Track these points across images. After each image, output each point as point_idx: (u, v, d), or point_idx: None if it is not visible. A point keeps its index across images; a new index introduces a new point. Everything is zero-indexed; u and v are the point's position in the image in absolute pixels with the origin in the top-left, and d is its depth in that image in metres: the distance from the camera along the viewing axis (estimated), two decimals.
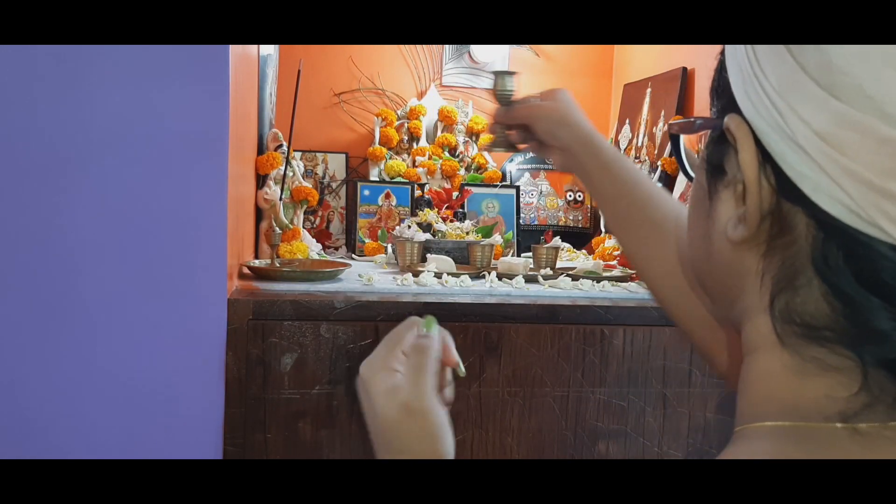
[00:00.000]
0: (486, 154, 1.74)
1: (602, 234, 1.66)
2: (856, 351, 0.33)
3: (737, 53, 0.37)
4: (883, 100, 0.30)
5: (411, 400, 0.53)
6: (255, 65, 1.22)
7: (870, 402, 0.33)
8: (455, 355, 0.58)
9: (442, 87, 1.81)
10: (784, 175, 0.34)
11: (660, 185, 0.70)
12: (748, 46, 0.36)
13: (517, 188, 1.63)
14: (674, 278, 0.62)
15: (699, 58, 1.47)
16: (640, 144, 1.61)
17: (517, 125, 0.79)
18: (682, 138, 0.46)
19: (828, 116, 0.31)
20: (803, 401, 0.35)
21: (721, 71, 0.39)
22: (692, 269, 0.44)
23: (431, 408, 0.53)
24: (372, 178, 1.65)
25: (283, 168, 1.24)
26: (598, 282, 1.13)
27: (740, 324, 0.39)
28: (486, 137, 0.86)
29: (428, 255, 1.22)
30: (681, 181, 1.43)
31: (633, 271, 1.25)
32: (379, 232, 1.46)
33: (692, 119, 0.41)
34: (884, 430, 0.32)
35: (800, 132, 0.32)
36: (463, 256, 1.26)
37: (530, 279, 1.14)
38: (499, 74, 0.82)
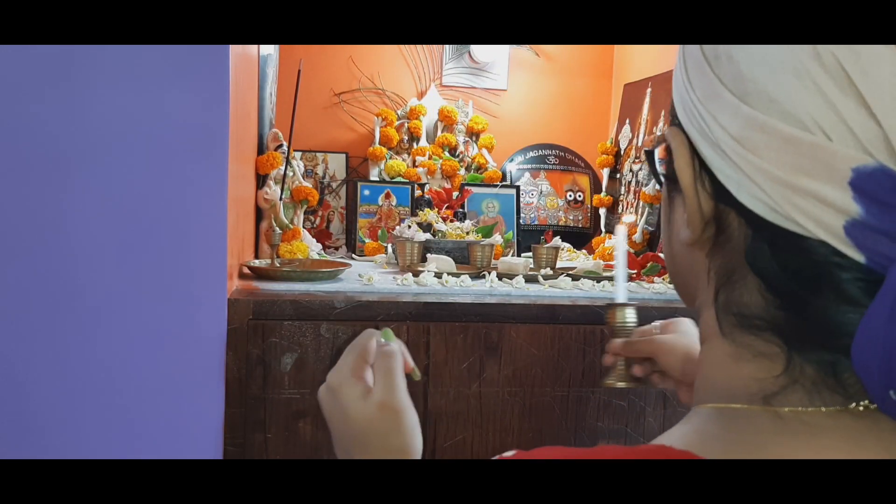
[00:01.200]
0: (485, 153, 1.74)
1: (602, 234, 1.66)
2: (782, 337, 0.36)
3: (677, 71, 0.40)
4: (784, 102, 0.33)
5: (387, 399, 0.56)
6: (255, 65, 1.22)
7: (787, 384, 0.35)
8: (411, 361, 0.62)
9: (442, 86, 1.81)
10: (716, 179, 0.37)
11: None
12: (681, 63, 0.39)
13: (517, 188, 1.63)
14: None
15: None
16: (640, 144, 1.61)
17: (640, 359, 0.74)
18: (657, 153, 0.49)
19: (740, 121, 0.34)
20: (735, 384, 0.38)
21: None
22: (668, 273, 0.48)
23: (407, 405, 0.57)
24: (372, 178, 1.65)
25: (283, 168, 1.24)
26: (599, 282, 1.13)
27: (699, 317, 0.43)
28: (610, 379, 0.75)
29: (428, 255, 1.22)
30: None
31: (633, 271, 1.25)
32: (379, 232, 1.46)
33: (657, 134, 0.44)
34: (802, 415, 0.35)
35: (721, 138, 0.35)
36: (463, 256, 1.26)
37: (530, 279, 1.14)
38: (618, 308, 0.74)
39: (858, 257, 0.32)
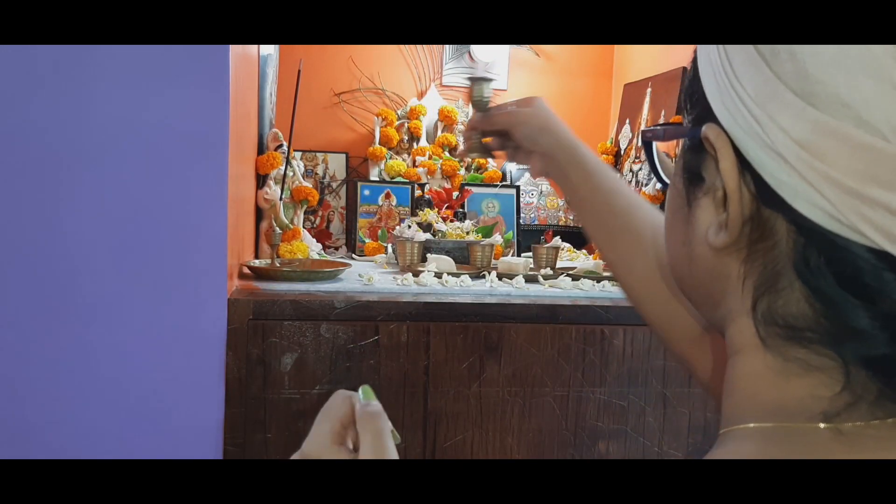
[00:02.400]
0: None
1: None
2: (837, 350, 0.34)
3: (711, 64, 0.37)
4: (859, 107, 0.31)
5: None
6: (255, 65, 1.22)
7: (853, 400, 0.33)
8: (389, 423, 0.55)
9: (442, 86, 1.81)
10: (763, 182, 0.34)
11: (637, 194, 0.70)
12: (723, 57, 0.36)
13: (517, 188, 1.63)
14: (654, 286, 0.62)
15: None
16: (640, 145, 1.61)
17: (495, 131, 0.78)
18: (655, 145, 0.47)
19: (806, 125, 0.32)
20: (787, 401, 0.35)
21: (694, 80, 0.39)
22: (672, 273, 0.45)
23: None
24: (372, 178, 1.65)
25: (283, 168, 1.24)
26: (599, 282, 1.13)
27: (723, 327, 0.40)
28: (463, 151, 0.83)
29: (428, 255, 1.22)
30: None
31: None
32: (379, 232, 1.46)
33: (663, 127, 0.41)
34: (866, 429, 0.33)
35: (779, 140, 0.33)
36: (463, 256, 1.26)
37: (530, 279, 1.14)
38: (476, 81, 0.80)
39: None
